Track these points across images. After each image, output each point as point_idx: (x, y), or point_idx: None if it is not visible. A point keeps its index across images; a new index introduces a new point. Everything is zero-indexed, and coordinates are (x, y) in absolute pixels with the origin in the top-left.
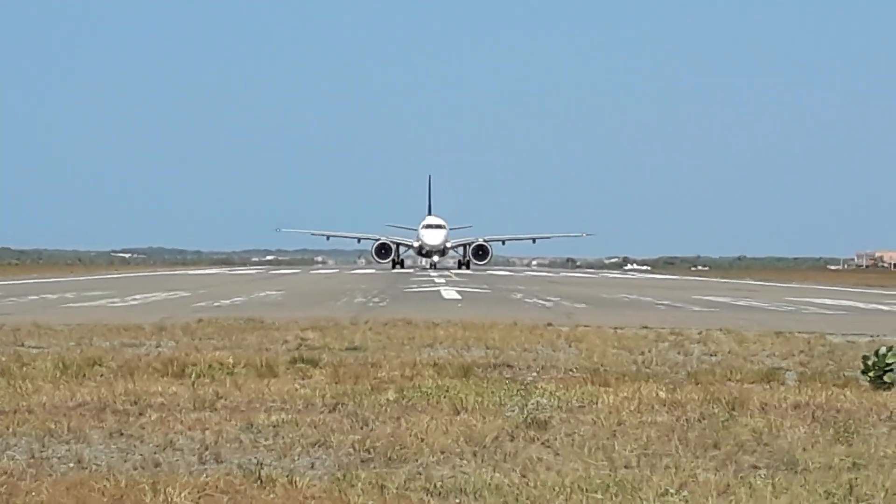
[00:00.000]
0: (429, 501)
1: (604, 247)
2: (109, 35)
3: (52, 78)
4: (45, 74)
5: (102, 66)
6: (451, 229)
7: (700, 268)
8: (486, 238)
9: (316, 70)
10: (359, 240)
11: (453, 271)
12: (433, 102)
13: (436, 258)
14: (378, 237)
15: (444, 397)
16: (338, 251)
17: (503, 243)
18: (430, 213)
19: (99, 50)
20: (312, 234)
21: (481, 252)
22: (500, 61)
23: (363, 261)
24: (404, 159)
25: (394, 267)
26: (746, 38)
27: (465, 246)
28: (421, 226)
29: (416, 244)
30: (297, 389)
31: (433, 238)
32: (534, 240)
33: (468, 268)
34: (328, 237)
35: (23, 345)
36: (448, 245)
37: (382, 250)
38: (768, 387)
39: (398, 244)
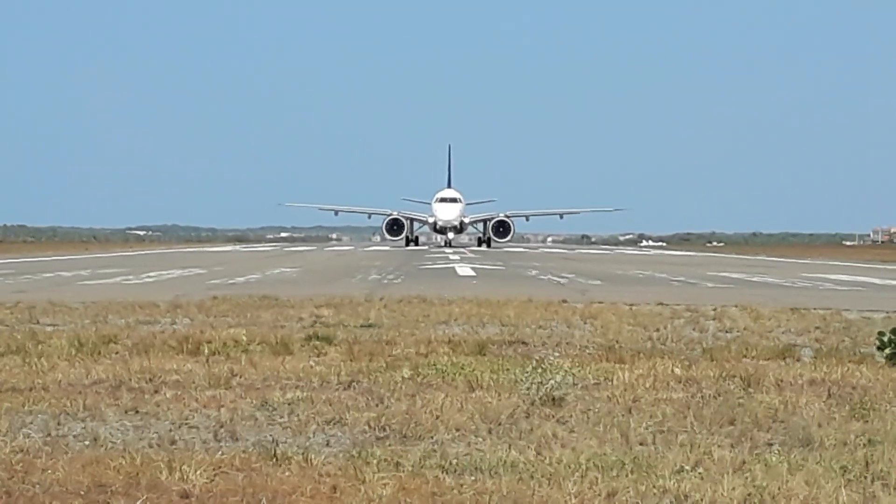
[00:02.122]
0: (444, 479)
1: (619, 223)
2: (125, 13)
3: (69, 56)
4: (62, 53)
5: (118, 42)
6: (471, 204)
7: (715, 244)
8: (508, 213)
9: (329, 36)
10: (369, 215)
11: (470, 248)
12: (454, 67)
13: (451, 235)
14: (390, 212)
15: (459, 374)
16: (353, 228)
17: (527, 219)
18: (448, 186)
19: (113, 28)
20: (320, 209)
21: (503, 228)
22: (523, 25)
23: (378, 238)
24: (423, 128)
25: (407, 244)
26: (763, 11)
27: (485, 221)
28: (434, 199)
29: (430, 220)
30: (311, 367)
31: (447, 213)
32: (561, 215)
33: (488, 245)
34: (336, 212)
35: (38, 322)
36: (466, 220)
37: (395, 226)
38: (784, 363)
39: (412, 220)
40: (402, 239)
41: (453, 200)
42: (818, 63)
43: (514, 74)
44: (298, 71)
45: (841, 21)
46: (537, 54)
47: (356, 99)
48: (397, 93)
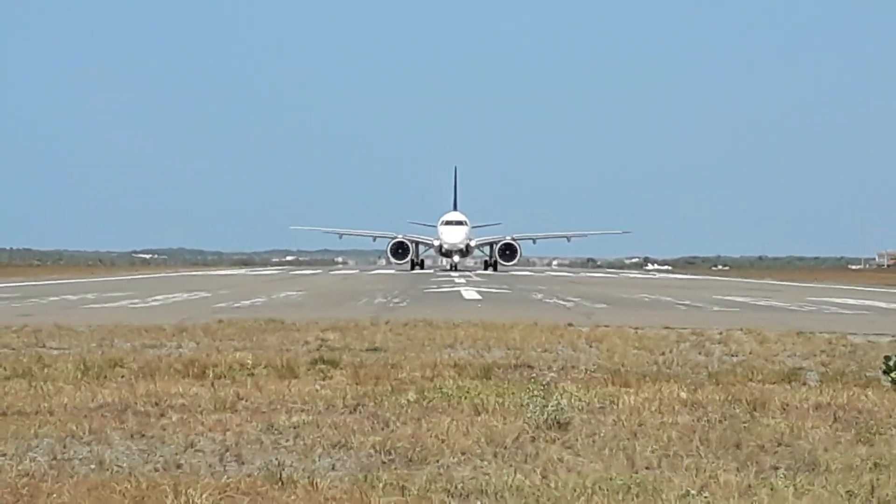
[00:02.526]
0: (449, 503)
1: (624, 247)
2: (127, 38)
3: (72, 80)
4: (65, 77)
5: (121, 67)
6: (477, 227)
7: (721, 267)
8: (514, 236)
9: (333, 60)
10: (374, 238)
11: (476, 272)
12: (460, 89)
13: (457, 258)
14: (395, 235)
15: (465, 398)
16: (358, 251)
17: (534, 242)
18: (455, 209)
19: (116, 53)
20: (325, 232)
21: (509, 252)
22: (529, 49)
23: (384, 261)
24: (429, 150)
25: (412, 268)
26: (767, 38)
27: (491, 244)
28: (440, 222)
29: (436, 243)
30: (317, 390)
31: (453, 236)
32: (568, 238)
33: (495, 269)
34: (341, 235)
35: (44, 346)
36: (472, 243)
37: (399, 250)
38: (789, 387)
39: (417, 243)
40: (406, 262)
41: (459, 223)
42: (824, 87)
43: (520, 97)
44: (304, 93)
45: (844, 48)
46: (543, 79)
47: (363, 121)
48: (403, 115)
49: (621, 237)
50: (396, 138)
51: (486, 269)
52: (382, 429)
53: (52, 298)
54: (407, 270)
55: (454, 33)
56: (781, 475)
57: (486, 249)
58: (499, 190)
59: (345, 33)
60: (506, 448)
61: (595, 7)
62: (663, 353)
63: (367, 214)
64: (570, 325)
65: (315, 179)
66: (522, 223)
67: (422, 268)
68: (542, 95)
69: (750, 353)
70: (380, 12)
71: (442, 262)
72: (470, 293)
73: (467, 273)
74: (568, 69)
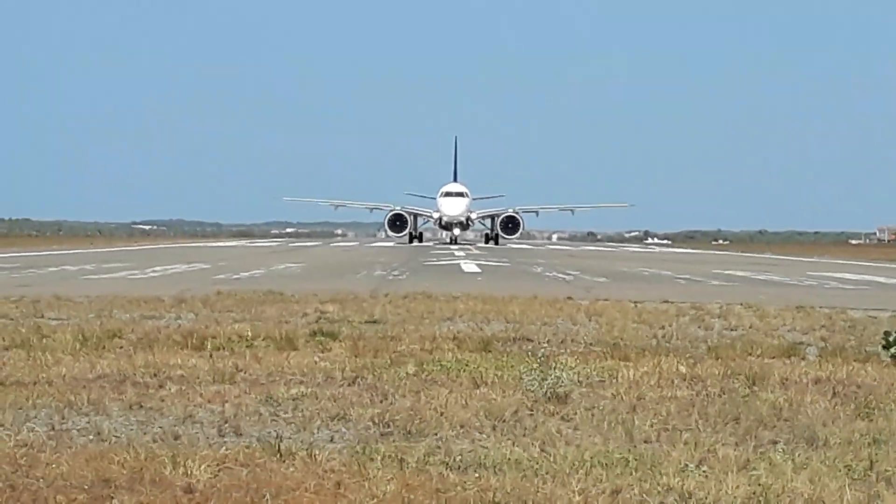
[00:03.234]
0: (448, 475)
1: (624, 220)
2: (126, 12)
3: (74, 52)
4: (67, 47)
5: (124, 39)
6: (479, 199)
7: (721, 242)
8: (517, 208)
9: (332, 30)
10: (371, 210)
11: (476, 245)
12: (461, 58)
13: (457, 231)
14: (393, 207)
15: (464, 371)
16: (358, 224)
17: (537, 214)
18: (454, 180)
19: (116, 25)
20: (320, 203)
21: (511, 224)
22: (531, 16)
23: (383, 234)
24: (428, 120)
25: (411, 241)
26: (767, 11)
27: (492, 217)
28: (439, 194)
29: (435, 215)
30: (316, 362)
31: (453, 207)
32: (572, 210)
33: (496, 242)
34: (336, 206)
35: (42, 316)
36: (472, 216)
37: (397, 222)
38: (789, 362)
39: (416, 215)
40: (405, 235)
41: (459, 195)
42: (824, 62)
43: (521, 67)
44: (302, 64)
45: (843, 20)
46: (545, 47)
47: (363, 91)
48: (402, 84)
49: (621, 211)
50: (395, 107)
51: (486, 242)
52: (381, 401)
53: (50, 269)
54: (405, 243)
55: (453, 6)
56: (780, 449)
57: (488, 222)
58: (500, 162)
59: (344, 5)
60: (504, 421)
61: None
62: (663, 327)
63: (367, 185)
64: (569, 298)
65: (313, 150)
66: (523, 196)
67: (420, 241)
68: (544, 67)
69: (749, 328)
70: None
71: (441, 234)
72: (469, 266)
73: (467, 246)
74: (571, 40)
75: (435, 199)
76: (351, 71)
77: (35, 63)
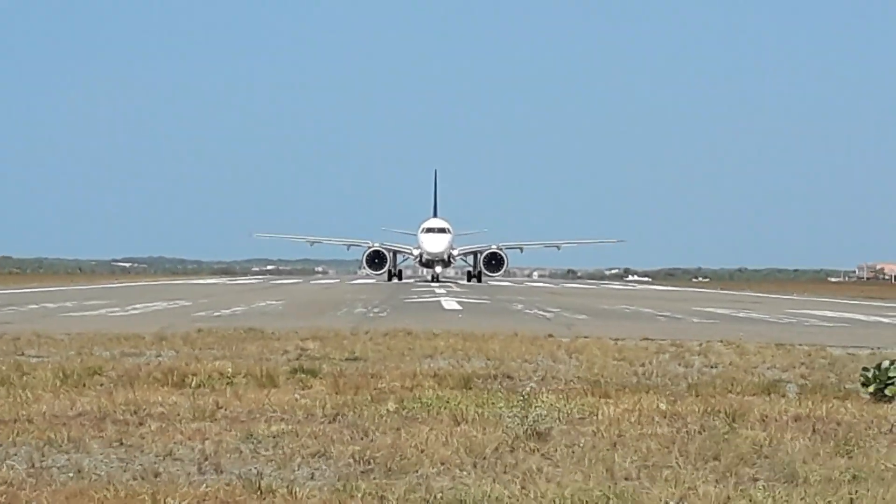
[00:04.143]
0: None
1: (605, 258)
2: (108, 45)
3: (53, 87)
4: (45, 83)
5: (101, 75)
6: (462, 234)
7: (701, 279)
8: (501, 245)
9: (309, 62)
10: (348, 247)
11: (458, 283)
12: (440, 88)
13: (439, 269)
14: (371, 243)
15: (445, 408)
16: (339, 261)
17: (521, 250)
18: (435, 215)
19: (98, 59)
20: (294, 241)
21: (495, 262)
22: (511, 50)
23: (364, 271)
24: (406, 151)
25: (390, 279)
26: (747, 53)
27: (475, 254)
28: (421, 230)
29: (415, 252)
30: (297, 400)
31: (435, 244)
32: (559, 246)
33: (479, 280)
34: (311, 243)
35: (23, 354)
36: (454, 252)
37: (376, 259)
38: (769, 399)
39: (395, 252)
40: (384, 273)
41: (442, 231)
42: (804, 100)
43: (502, 101)
44: (282, 100)
45: (825, 58)
46: (526, 84)
47: (345, 124)
48: (380, 114)
49: (601, 248)
50: (373, 140)
51: (469, 280)
52: (362, 438)
53: (31, 306)
54: (385, 281)
55: (435, 28)
56: (760, 487)
57: (470, 259)
58: (479, 196)
59: (323, 34)
60: (485, 458)
61: (583, 11)
62: (643, 365)
63: (350, 222)
64: (550, 335)
65: (296, 188)
66: (502, 232)
67: (400, 279)
68: (526, 103)
69: (729, 365)
70: (354, 8)
71: (422, 272)
72: (450, 303)
73: (448, 284)
74: (551, 76)
75: (412, 234)
76: (333, 106)
77: (13, 100)
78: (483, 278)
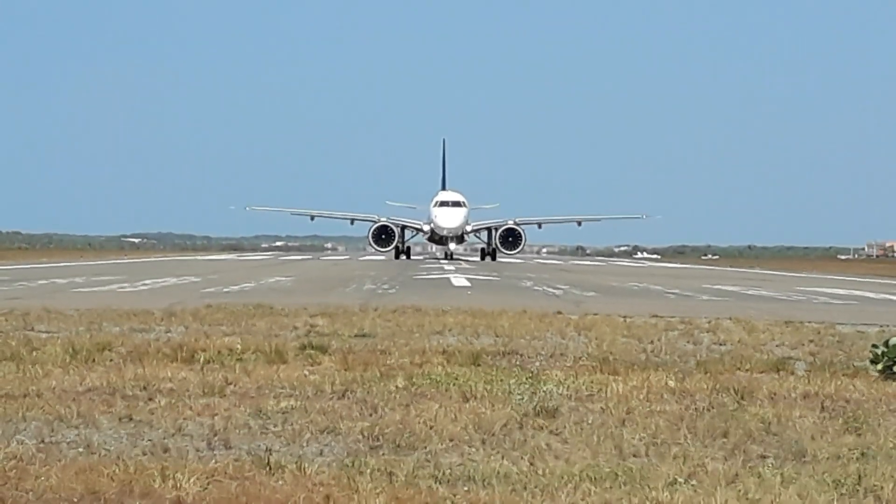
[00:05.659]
0: (437, 489)
1: (614, 235)
2: (117, 25)
3: (65, 65)
4: (54, 62)
5: (111, 53)
6: (477, 208)
7: (710, 256)
8: (518, 220)
9: (314, 32)
10: (352, 221)
11: (469, 259)
12: (447, 58)
13: (453, 245)
14: (377, 218)
15: (454, 385)
16: (349, 237)
17: (539, 227)
18: (444, 188)
19: (107, 38)
20: (292, 214)
21: (512, 238)
22: (523, 22)
23: (370, 248)
24: (412, 122)
25: (397, 256)
26: (757, 28)
27: (489, 230)
28: (433, 203)
29: (426, 227)
30: (306, 376)
31: (450, 219)
32: (579, 223)
33: (493, 258)
34: (313, 217)
35: (32, 329)
36: (468, 228)
37: (382, 235)
38: (777, 376)
39: (403, 227)
40: (391, 250)
41: (457, 204)
42: (814, 78)
43: (510, 69)
44: (287, 76)
45: (834, 38)
46: (537, 53)
47: (352, 99)
48: (386, 86)
49: (610, 225)
50: (379, 112)
51: (482, 258)
52: (370, 415)
53: (40, 282)
54: (391, 258)
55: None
56: (769, 464)
57: (484, 235)
58: (490, 168)
59: (328, 2)
60: (494, 435)
61: None
62: (652, 342)
63: (355, 196)
64: (559, 312)
65: (307, 163)
66: (513, 206)
67: (408, 256)
68: (536, 75)
69: (738, 342)
70: None
71: (432, 248)
72: (459, 280)
73: (457, 261)
74: (562, 52)
75: (415, 207)
76: (335, 70)
77: (24, 77)
78: (497, 256)
